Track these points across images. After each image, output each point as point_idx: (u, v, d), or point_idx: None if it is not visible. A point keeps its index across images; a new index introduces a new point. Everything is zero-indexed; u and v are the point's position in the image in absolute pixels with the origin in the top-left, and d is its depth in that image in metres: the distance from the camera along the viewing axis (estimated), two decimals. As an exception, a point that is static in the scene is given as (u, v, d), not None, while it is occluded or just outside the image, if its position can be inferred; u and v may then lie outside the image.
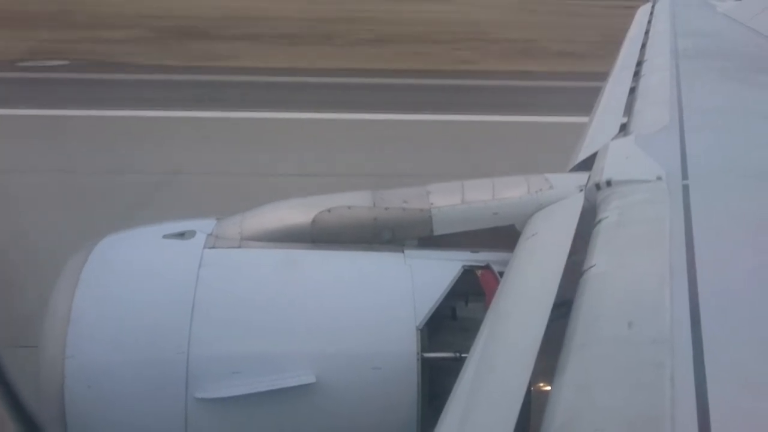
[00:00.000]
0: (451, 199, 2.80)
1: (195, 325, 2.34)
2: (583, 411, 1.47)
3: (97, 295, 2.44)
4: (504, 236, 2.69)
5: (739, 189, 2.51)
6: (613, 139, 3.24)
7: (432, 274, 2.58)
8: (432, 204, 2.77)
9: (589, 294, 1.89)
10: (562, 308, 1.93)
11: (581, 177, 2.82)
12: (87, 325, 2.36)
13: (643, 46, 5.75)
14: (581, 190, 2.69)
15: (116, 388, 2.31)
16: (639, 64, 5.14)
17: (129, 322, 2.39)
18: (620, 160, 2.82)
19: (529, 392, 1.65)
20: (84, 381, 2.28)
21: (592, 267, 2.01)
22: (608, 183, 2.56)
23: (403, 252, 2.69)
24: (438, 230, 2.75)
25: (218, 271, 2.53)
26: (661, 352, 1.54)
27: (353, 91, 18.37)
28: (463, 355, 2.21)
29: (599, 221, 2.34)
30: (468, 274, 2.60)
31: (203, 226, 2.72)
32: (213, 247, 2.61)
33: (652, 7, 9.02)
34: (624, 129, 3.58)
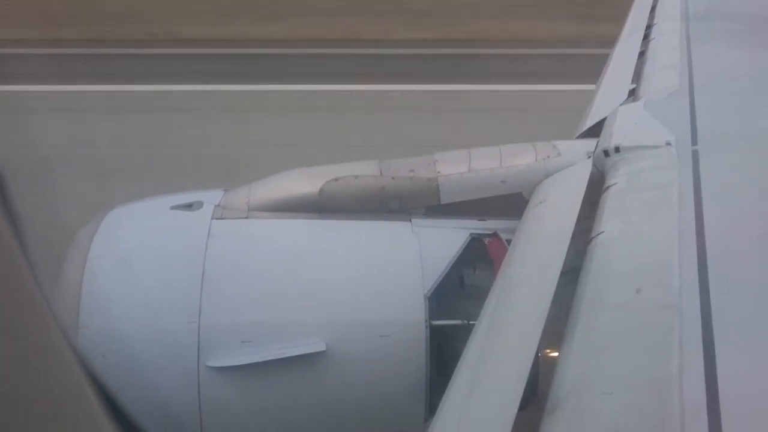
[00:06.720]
0: (458, 168, 2.79)
1: (205, 295, 2.36)
2: (592, 376, 1.48)
3: (108, 267, 2.46)
4: (511, 204, 2.68)
5: (749, 154, 2.49)
6: (621, 104, 3.21)
7: (440, 242, 2.58)
8: (439, 172, 2.76)
9: (597, 260, 1.89)
10: (570, 275, 1.93)
11: (589, 143, 2.80)
12: (99, 296, 2.39)
13: (653, 8, 5.65)
14: (589, 157, 2.67)
15: (130, 358, 2.34)
16: (648, 27, 5.05)
17: (140, 292, 2.41)
18: (629, 125, 2.79)
19: (537, 358, 1.66)
20: (98, 351, 2.31)
21: (600, 233, 2.01)
22: (617, 149, 2.55)
23: (410, 221, 2.69)
24: (445, 199, 2.74)
25: (227, 241, 2.54)
26: (670, 317, 1.55)
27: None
28: (471, 322, 2.23)
29: (608, 188, 2.33)
30: (476, 242, 2.60)
31: (211, 197, 2.72)
32: (221, 218, 2.62)
33: None
34: (633, 94, 3.54)
